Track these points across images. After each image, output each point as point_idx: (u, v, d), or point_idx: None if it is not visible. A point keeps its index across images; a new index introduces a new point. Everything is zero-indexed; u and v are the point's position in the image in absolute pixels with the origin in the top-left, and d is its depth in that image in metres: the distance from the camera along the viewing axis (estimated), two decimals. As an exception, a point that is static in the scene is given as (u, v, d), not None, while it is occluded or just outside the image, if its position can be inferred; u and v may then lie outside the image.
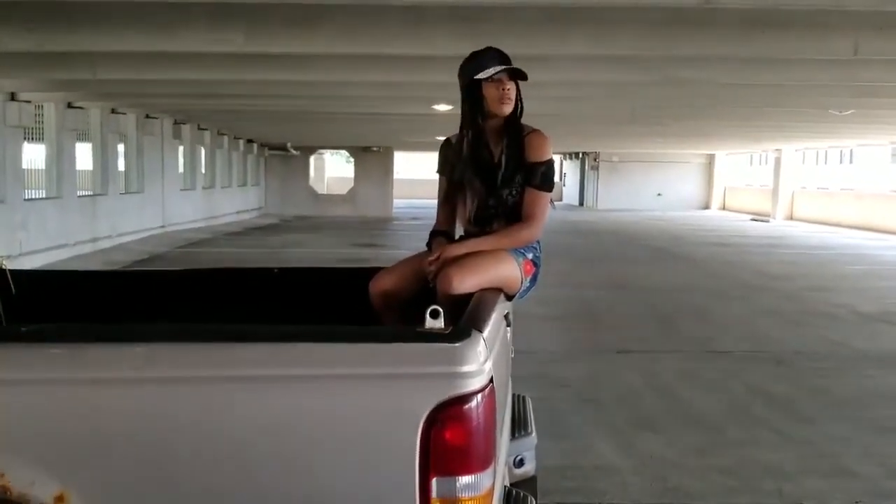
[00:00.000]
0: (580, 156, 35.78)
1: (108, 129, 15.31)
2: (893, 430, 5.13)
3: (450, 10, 7.03)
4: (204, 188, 21.61)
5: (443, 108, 13.10)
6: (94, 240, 14.54)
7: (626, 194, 33.49)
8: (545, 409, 4.97)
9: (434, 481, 1.66)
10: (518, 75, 2.87)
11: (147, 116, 16.79)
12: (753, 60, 8.69)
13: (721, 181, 34.27)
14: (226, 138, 22.52)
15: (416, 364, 1.71)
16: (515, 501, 2.17)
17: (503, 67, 2.83)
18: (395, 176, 30.00)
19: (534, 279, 2.94)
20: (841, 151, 27.23)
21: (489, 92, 2.85)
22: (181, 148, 19.83)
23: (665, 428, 5.04)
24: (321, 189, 32.46)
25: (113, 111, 15.30)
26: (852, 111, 13.46)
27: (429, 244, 2.98)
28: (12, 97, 11.60)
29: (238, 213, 24.46)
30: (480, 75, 2.83)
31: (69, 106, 13.42)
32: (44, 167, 13.44)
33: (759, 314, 9.20)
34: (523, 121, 2.96)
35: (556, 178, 41.93)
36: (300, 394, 1.71)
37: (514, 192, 2.89)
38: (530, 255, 2.92)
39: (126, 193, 16.49)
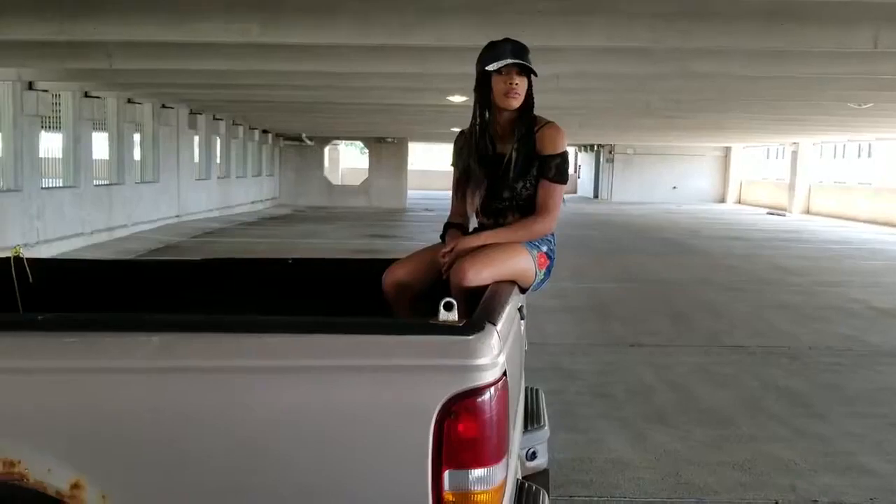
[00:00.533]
0: (595, 148, 35.62)
1: (125, 119, 15.39)
2: (909, 426, 5.09)
3: (465, 2, 7.01)
4: (219, 178, 21.69)
5: (457, 99, 13.07)
6: (110, 229, 14.64)
7: (641, 187, 33.33)
8: (558, 402, 4.97)
9: (446, 474, 1.66)
10: (526, 70, 2.82)
11: (163, 106, 16.86)
12: (771, 53, 8.61)
13: (737, 174, 34.03)
14: (241, 128, 22.58)
15: (429, 356, 1.71)
16: (527, 495, 2.17)
17: (511, 61, 2.78)
18: (410, 167, 29.97)
19: (548, 272, 2.93)
20: (859, 145, 26.96)
21: (497, 85, 2.82)
22: (196, 138, 19.90)
23: (678, 422, 5.03)
24: (335, 180, 32.50)
25: (129, 101, 15.37)
26: (871, 104, 13.32)
27: (443, 236, 2.98)
28: (30, 86, 11.67)
29: (252, 203, 24.54)
30: (490, 67, 2.80)
31: (86, 95, 13.49)
32: (60, 156, 13.53)
33: (774, 308, 9.14)
34: (536, 113, 2.94)
35: (571, 171, 41.77)
36: (313, 384, 1.72)
37: (528, 185, 2.88)
38: (544, 248, 2.91)
39: (142, 183, 16.58)
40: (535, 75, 2.86)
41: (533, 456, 2.59)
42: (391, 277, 2.88)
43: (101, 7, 7.25)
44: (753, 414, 5.25)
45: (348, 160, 40.32)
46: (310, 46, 8.56)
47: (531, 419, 2.77)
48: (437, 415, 1.64)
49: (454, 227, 3.00)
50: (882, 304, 9.51)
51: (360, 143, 32.63)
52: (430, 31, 7.30)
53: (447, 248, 2.78)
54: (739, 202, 33.39)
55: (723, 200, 33.70)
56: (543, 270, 2.89)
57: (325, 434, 1.69)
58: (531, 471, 2.58)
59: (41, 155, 12.65)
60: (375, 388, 1.70)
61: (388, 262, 2.97)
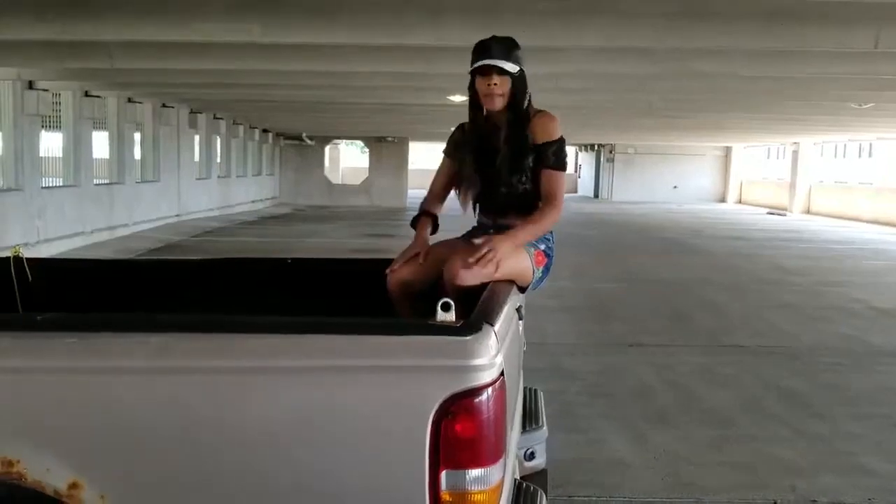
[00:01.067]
0: (596, 148, 35.62)
1: (125, 118, 15.40)
2: (909, 427, 5.09)
3: (465, 2, 7.01)
4: (219, 177, 21.70)
5: (458, 98, 13.06)
6: (111, 228, 14.64)
7: (641, 187, 33.32)
8: (558, 403, 4.97)
9: (443, 474, 1.66)
10: (499, 69, 2.74)
11: (163, 105, 16.86)
12: (772, 53, 8.60)
13: (738, 174, 34.02)
14: (241, 128, 22.58)
15: (427, 357, 1.71)
16: (525, 495, 2.17)
17: (485, 62, 2.74)
18: (411, 166, 29.97)
19: (546, 270, 2.92)
20: (860, 145, 26.94)
21: (479, 86, 2.81)
22: (197, 137, 19.91)
23: (678, 422, 5.03)
24: (336, 179, 32.50)
25: (129, 100, 15.37)
26: (872, 104, 13.31)
27: (414, 223, 2.98)
28: (30, 86, 11.68)
29: (253, 202, 24.54)
30: (471, 68, 2.81)
31: (86, 94, 13.50)
32: (61, 155, 13.53)
33: (775, 308, 9.14)
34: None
35: (571, 171, 41.83)
36: (311, 385, 1.72)
37: (524, 179, 2.85)
38: (542, 246, 2.90)
39: (142, 182, 16.59)
40: (508, 75, 2.77)
41: (531, 456, 2.59)
42: (396, 275, 2.88)
43: (102, 7, 7.25)
44: (754, 414, 5.25)
45: (349, 159, 40.32)
46: (311, 46, 8.56)
47: (529, 419, 2.77)
48: (435, 415, 1.64)
49: (426, 216, 3.00)
50: (883, 305, 9.51)
51: (360, 143, 32.62)
52: (430, 31, 7.31)
53: (481, 253, 2.66)
54: (740, 202, 33.38)
55: (723, 200, 33.69)
56: (541, 268, 2.88)
57: (322, 434, 1.69)
58: (529, 471, 2.58)
59: (42, 154, 12.65)
60: (373, 388, 1.70)
61: (388, 262, 2.96)
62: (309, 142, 27.87)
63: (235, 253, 11.21)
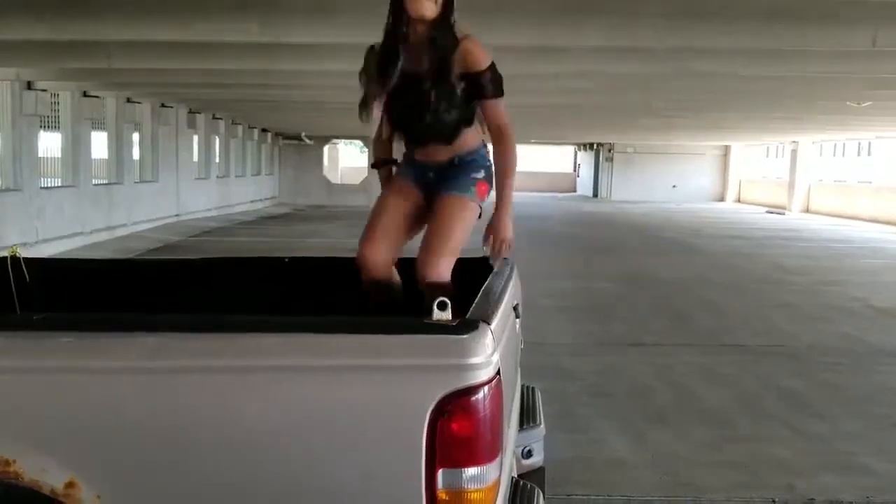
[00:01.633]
0: (595, 147, 35.64)
1: (124, 118, 15.39)
2: (907, 425, 5.09)
3: (463, 2, 6.99)
4: (218, 177, 21.70)
5: (457, 98, 13.07)
6: (110, 228, 14.64)
7: (640, 186, 33.34)
8: (557, 402, 4.97)
9: (440, 473, 1.66)
10: None
11: (162, 105, 16.86)
12: (771, 52, 8.61)
13: (737, 173, 34.05)
14: (240, 127, 22.58)
15: (423, 355, 1.71)
16: (522, 493, 2.17)
17: None
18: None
19: (489, 194, 2.85)
20: (859, 144, 26.95)
21: None
22: (196, 137, 19.91)
23: (677, 422, 5.03)
24: (335, 179, 32.49)
25: (128, 100, 15.37)
26: (870, 103, 13.32)
27: (377, 165, 2.96)
28: (28, 86, 11.67)
29: (252, 202, 24.54)
30: None
31: (84, 95, 13.49)
32: (59, 156, 13.53)
33: (774, 308, 9.14)
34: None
35: (570, 169, 41.89)
36: (308, 384, 1.72)
37: (450, 108, 2.66)
38: (481, 175, 2.78)
39: (141, 182, 16.59)
40: None
41: (528, 454, 2.59)
42: (378, 257, 2.78)
43: (100, 7, 7.25)
44: (753, 414, 5.25)
45: (348, 159, 40.31)
46: (309, 45, 8.55)
47: (527, 417, 2.77)
48: (431, 414, 1.64)
49: (388, 162, 2.96)
50: (883, 304, 9.51)
51: (359, 142, 32.61)
52: (428, 30, 7.29)
53: (497, 250, 2.69)
54: (739, 201, 33.40)
55: (722, 199, 33.72)
56: (486, 198, 2.82)
57: (318, 433, 1.69)
58: (527, 469, 2.58)
59: (40, 154, 12.65)
60: (369, 387, 1.69)
61: (401, 260, 2.92)
62: (308, 141, 27.87)
63: (234, 253, 11.20)
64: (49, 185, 13.05)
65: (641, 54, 8.84)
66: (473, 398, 1.66)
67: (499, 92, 2.73)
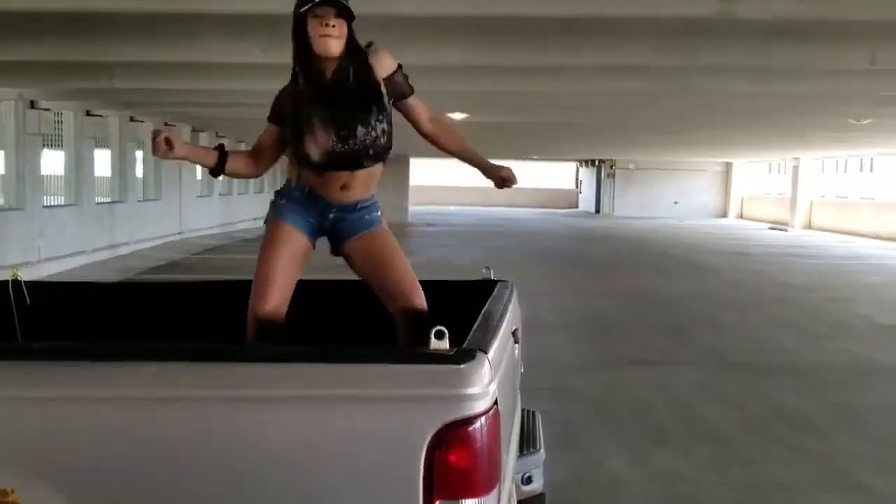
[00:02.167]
0: (596, 163, 35.72)
1: (127, 137, 15.45)
2: (911, 445, 5.07)
3: (463, 22, 7.04)
4: (221, 195, 21.76)
5: (458, 116, 13.11)
6: (112, 247, 14.66)
7: (642, 202, 33.38)
8: (558, 422, 4.95)
9: (437, 504, 1.65)
10: (346, 12, 2.60)
11: (165, 124, 16.91)
12: (771, 70, 8.64)
13: (739, 190, 34.08)
14: (243, 146, 22.66)
15: (420, 386, 1.71)
16: (522, 521, 2.16)
17: (323, 0, 2.55)
18: (411, 182, 30.06)
19: None
20: (861, 160, 26.97)
21: (313, 28, 2.60)
22: (199, 155, 19.94)
23: (679, 442, 5.01)
24: (337, 196, 32.51)
25: (131, 119, 15.44)
26: (870, 120, 13.35)
27: (215, 171, 2.91)
28: (32, 105, 11.73)
29: (255, 219, 24.53)
30: (304, 8, 2.59)
31: (88, 114, 13.55)
32: (62, 174, 13.58)
33: (776, 325, 9.12)
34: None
35: (572, 186, 41.94)
36: (305, 414, 1.72)
37: (381, 118, 2.71)
38: (380, 213, 2.99)
39: (144, 201, 16.63)
40: (354, 18, 2.64)
41: (528, 480, 2.58)
42: (270, 316, 2.70)
43: (103, 29, 7.30)
44: (756, 433, 5.23)
45: (350, 176, 40.39)
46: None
47: (527, 443, 2.76)
48: (428, 445, 1.64)
49: (221, 152, 2.89)
50: (888, 321, 9.49)
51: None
52: (426, 49, 7.34)
53: (505, 173, 2.93)
54: (741, 217, 33.41)
55: (724, 215, 33.73)
56: None
57: (314, 464, 1.69)
58: (527, 495, 2.57)
59: (43, 172, 12.70)
60: (366, 417, 1.69)
61: None
62: (310, 159, 27.92)
63: (236, 271, 11.21)
64: (52, 203, 13.09)
65: (640, 72, 8.87)
66: (471, 429, 1.65)
67: (413, 90, 2.84)
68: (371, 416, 1.69)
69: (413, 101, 2.86)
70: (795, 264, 15.74)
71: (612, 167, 34.34)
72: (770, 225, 28.46)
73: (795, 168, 27.75)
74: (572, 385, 6.25)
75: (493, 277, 3.20)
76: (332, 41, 2.61)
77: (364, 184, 2.83)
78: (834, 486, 4.31)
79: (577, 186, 41.03)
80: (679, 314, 9.74)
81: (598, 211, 35.73)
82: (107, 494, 1.74)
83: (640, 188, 33.89)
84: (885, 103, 10.94)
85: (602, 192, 35.68)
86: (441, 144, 2.97)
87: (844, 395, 6.18)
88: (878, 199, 25.13)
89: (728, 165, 33.89)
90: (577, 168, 40.15)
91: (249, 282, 3.64)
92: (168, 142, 2.65)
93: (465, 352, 1.77)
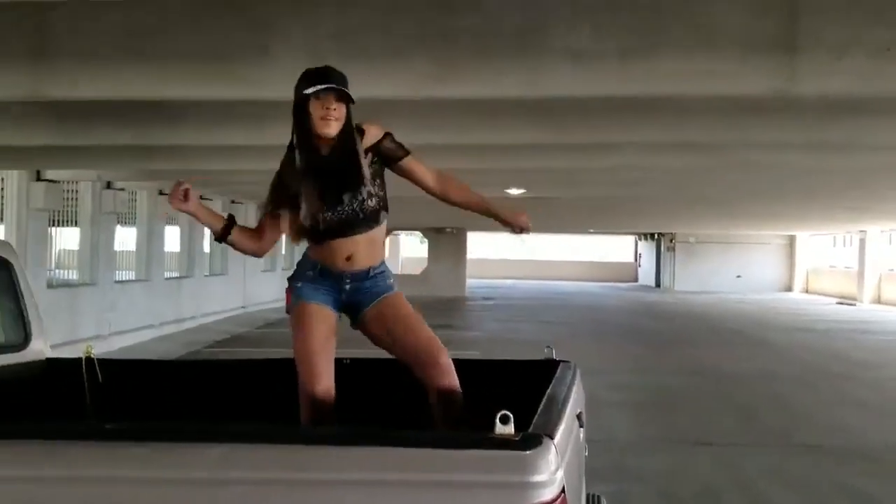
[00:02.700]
0: (655, 236, 35.40)
1: (196, 215, 15.96)
2: None
3: (519, 103, 7.19)
4: (283, 269, 22.18)
5: (515, 191, 13.26)
6: (179, 321, 15.02)
7: (704, 276, 32.78)
8: (620, 505, 4.83)
9: (503, 593, 1.64)
10: (345, 97, 2.76)
11: (232, 202, 17.47)
12: (832, 145, 8.56)
13: (803, 263, 33.26)
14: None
15: (486, 472, 1.71)
16: None
17: (327, 86, 2.73)
18: (469, 256, 30.20)
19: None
20: (931, 232, 26.18)
21: (315, 110, 2.76)
22: (263, 231, 20.48)
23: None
24: (395, 269, 32.89)
25: (201, 197, 15.84)
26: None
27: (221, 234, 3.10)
28: (108, 185, 12.28)
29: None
30: (307, 91, 2.74)
31: (160, 193, 14.10)
32: (134, 249, 14.09)
33: (845, 405, 8.79)
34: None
35: (631, 259, 41.56)
36: (369, 499, 1.72)
37: (374, 189, 2.86)
38: (392, 279, 3.07)
39: (210, 275, 17.08)
40: (353, 103, 2.80)
41: (594, 568, 2.53)
42: (323, 391, 2.79)
43: (176, 114, 7.67)
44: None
45: (408, 250, 40.85)
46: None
47: (592, 529, 2.71)
48: (495, 532, 1.64)
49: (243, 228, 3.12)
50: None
51: (419, 234, 33.09)
52: (491, 130, 7.51)
53: (522, 220, 3.07)
54: (807, 291, 32.50)
55: (789, 289, 32.87)
56: None
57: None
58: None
59: (115, 248, 13.20)
60: (432, 502, 1.70)
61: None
62: (369, 233, 28.34)
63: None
64: (123, 278, 13.55)
65: (696, 148, 8.87)
66: (537, 517, 1.65)
67: (407, 151, 2.94)
68: (437, 502, 1.70)
69: (410, 162, 2.97)
70: (863, 341, 15.19)
71: (671, 241, 33.97)
72: (838, 299, 27.60)
73: (862, 241, 27.03)
74: (634, 466, 6.10)
75: (555, 357, 3.19)
76: (332, 123, 2.77)
77: (368, 251, 2.95)
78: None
79: (636, 260, 40.63)
80: (745, 392, 9.46)
81: (658, 285, 35.22)
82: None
83: (701, 262, 33.35)
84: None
85: (662, 265, 35.23)
86: (452, 199, 3.08)
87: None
88: (952, 272, 24.24)
89: (792, 238, 33.19)
90: (636, 241, 39.82)
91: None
92: (185, 194, 2.87)
93: (531, 437, 1.77)
